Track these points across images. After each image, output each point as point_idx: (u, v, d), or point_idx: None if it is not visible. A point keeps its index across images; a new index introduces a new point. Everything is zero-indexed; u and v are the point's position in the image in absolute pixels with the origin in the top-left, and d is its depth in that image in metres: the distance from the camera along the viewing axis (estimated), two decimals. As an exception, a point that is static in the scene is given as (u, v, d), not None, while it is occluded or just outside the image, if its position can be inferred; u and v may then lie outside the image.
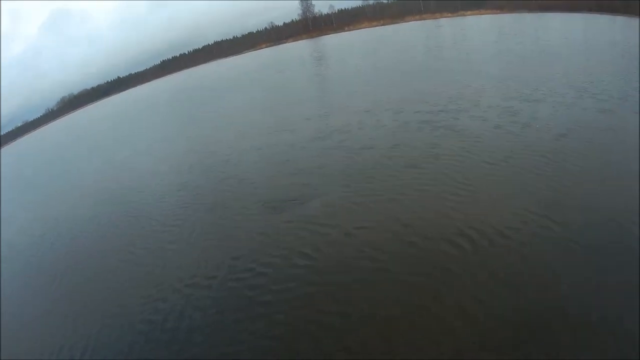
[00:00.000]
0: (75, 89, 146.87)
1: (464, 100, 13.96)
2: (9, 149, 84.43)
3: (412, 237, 6.77)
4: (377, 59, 32.03)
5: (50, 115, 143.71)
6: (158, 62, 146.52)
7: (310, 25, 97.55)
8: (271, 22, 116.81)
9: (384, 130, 12.61)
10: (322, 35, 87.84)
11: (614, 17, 34.22)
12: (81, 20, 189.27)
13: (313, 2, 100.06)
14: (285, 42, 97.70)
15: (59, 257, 10.55)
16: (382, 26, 72.43)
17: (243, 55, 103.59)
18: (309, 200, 9.01)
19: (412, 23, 64.61)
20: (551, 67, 16.90)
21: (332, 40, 69.14)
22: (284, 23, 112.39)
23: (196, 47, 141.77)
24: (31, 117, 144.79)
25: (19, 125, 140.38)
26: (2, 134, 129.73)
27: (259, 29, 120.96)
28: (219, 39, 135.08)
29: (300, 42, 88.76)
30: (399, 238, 6.81)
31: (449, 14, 60.75)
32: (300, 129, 15.17)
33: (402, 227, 7.13)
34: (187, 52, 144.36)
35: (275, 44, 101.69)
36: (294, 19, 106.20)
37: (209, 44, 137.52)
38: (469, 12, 57.19)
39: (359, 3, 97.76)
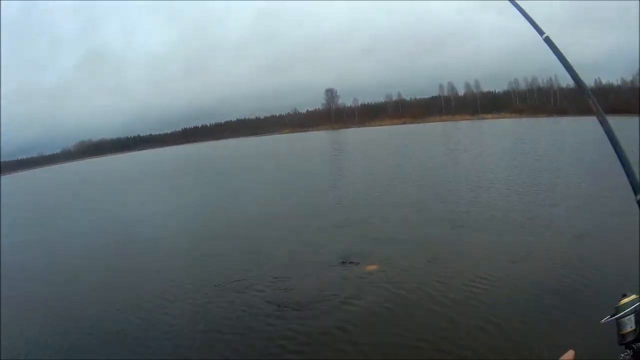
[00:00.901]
0: (95, 136, 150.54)
1: (483, 204, 14.67)
2: (20, 176, 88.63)
3: (441, 321, 7.08)
4: (399, 157, 33.00)
5: (67, 155, 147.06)
6: (179, 128, 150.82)
7: (332, 117, 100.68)
8: (295, 108, 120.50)
9: (407, 226, 13.02)
10: (343, 127, 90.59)
11: (630, 118, 35.04)
12: (116, 67, 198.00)
13: (338, 94, 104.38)
14: (307, 130, 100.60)
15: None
16: (404, 124, 74.36)
17: (264, 137, 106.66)
18: (327, 286, 9.03)
19: (432, 124, 66.16)
20: (567, 171, 18.78)
21: (354, 134, 71.68)
22: (307, 110, 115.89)
23: (219, 121, 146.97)
24: (48, 152, 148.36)
25: (34, 156, 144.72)
26: (15, 158, 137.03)
27: (282, 113, 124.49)
28: (242, 117, 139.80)
29: (322, 131, 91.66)
30: (428, 320, 7.16)
31: (469, 117, 62.22)
32: (320, 216, 15.50)
33: (430, 311, 7.52)
34: (209, 125, 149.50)
35: (297, 131, 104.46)
36: (318, 108, 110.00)
37: (231, 121, 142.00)
38: (488, 116, 58.61)
39: (381, 99, 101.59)
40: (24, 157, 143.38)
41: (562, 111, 47.42)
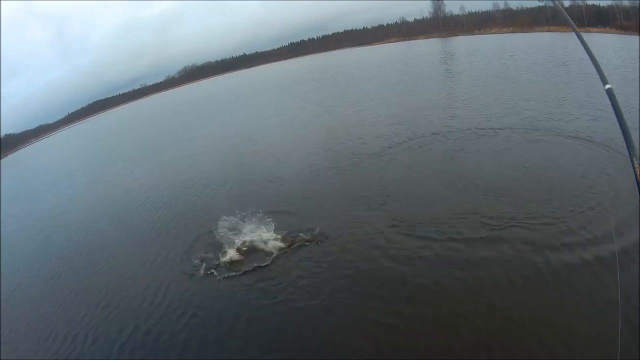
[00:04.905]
0: (201, 60, 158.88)
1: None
2: (127, 108, 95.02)
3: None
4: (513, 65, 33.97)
5: (170, 83, 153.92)
6: (287, 43, 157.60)
7: (440, 25, 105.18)
8: (402, 17, 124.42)
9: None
10: (452, 35, 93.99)
11: None
12: None
13: (445, 2, 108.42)
14: (415, 39, 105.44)
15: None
16: (512, 33, 77.55)
17: (371, 46, 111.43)
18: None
19: (541, 34, 69.00)
20: None
21: (464, 42, 73.30)
22: (415, 19, 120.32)
23: (325, 33, 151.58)
24: (150, 82, 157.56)
25: (137, 88, 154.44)
26: (122, 92, 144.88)
27: (389, 23, 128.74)
28: (350, 29, 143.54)
29: (430, 40, 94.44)
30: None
31: (577, 29, 64.76)
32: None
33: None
34: (316, 38, 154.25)
35: (405, 39, 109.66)
36: (425, 17, 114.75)
37: (338, 32, 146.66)
38: (594, 29, 61.78)
39: (489, 6, 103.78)
40: (127, 90, 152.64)
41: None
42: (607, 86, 2.92)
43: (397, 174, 13.03)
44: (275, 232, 10.05)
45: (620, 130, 2.67)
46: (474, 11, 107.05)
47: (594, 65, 3.35)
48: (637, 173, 2.45)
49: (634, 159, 2.50)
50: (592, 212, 8.70)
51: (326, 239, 9.64)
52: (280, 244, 9.62)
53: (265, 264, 9.05)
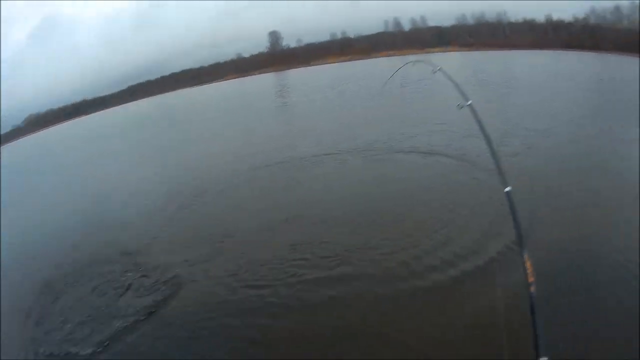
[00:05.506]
0: (44, 107, 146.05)
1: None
2: None
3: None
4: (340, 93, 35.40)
5: (18, 132, 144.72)
6: (125, 86, 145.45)
7: (277, 59, 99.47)
8: (239, 53, 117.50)
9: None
10: (289, 68, 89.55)
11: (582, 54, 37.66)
12: (68, 32, 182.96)
13: (282, 36, 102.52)
14: (252, 74, 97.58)
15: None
16: (349, 61, 74.72)
17: (210, 85, 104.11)
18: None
19: (379, 59, 66.51)
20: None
21: (300, 74, 71.87)
22: (251, 55, 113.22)
23: (164, 74, 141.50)
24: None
25: None
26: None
27: (226, 60, 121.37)
28: (187, 67, 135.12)
29: (267, 74, 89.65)
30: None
31: (417, 50, 62.54)
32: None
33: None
34: (153, 79, 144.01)
35: (242, 76, 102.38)
36: (261, 52, 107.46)
37: (175, 72, 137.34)
38: (435, 49, 59.63)
39: (326, 38, 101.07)
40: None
41: (511, 45, 49.71)
42: (508, 188, 3.05)
43: (231, 212, 12.34)
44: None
45: (514, 227, 2.80)
46: (311, 42, 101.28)
47: (497, 168, 3.33)
48: (527, 265, 2.59)
49: (524, 250, 2.68)
50: (446, 227, 8.89)
51: (164, 293, 8.37)
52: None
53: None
